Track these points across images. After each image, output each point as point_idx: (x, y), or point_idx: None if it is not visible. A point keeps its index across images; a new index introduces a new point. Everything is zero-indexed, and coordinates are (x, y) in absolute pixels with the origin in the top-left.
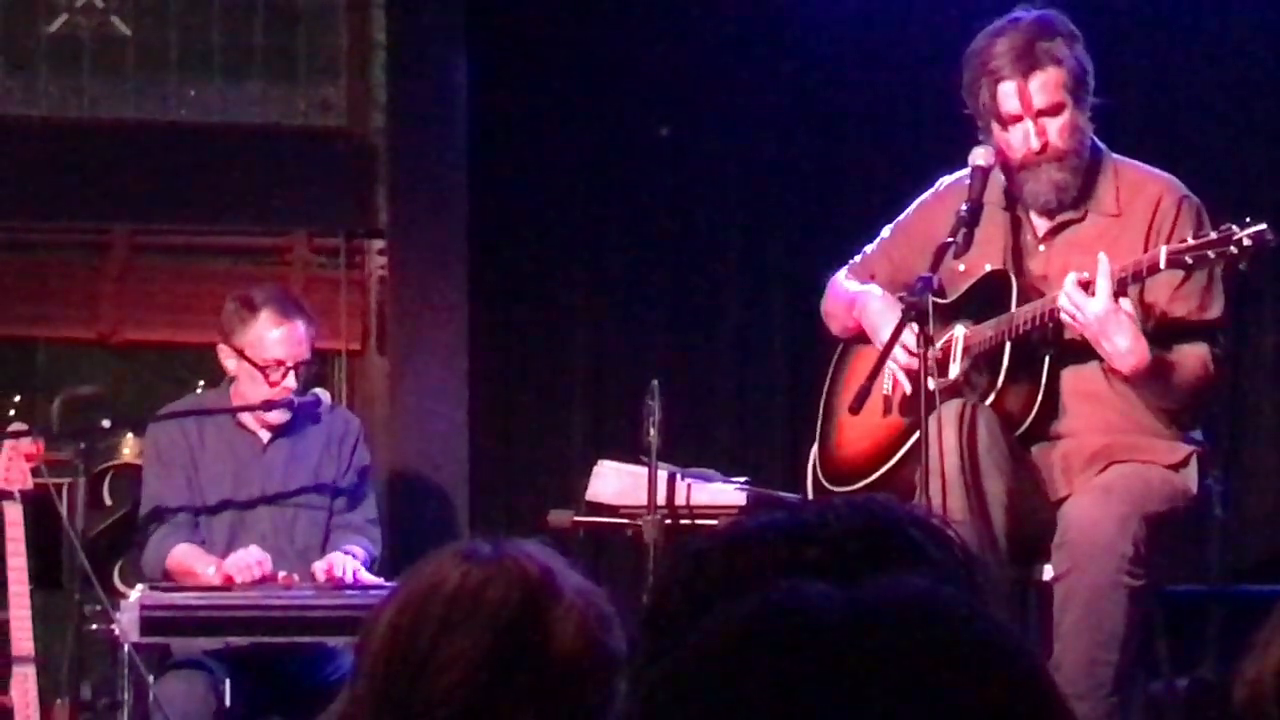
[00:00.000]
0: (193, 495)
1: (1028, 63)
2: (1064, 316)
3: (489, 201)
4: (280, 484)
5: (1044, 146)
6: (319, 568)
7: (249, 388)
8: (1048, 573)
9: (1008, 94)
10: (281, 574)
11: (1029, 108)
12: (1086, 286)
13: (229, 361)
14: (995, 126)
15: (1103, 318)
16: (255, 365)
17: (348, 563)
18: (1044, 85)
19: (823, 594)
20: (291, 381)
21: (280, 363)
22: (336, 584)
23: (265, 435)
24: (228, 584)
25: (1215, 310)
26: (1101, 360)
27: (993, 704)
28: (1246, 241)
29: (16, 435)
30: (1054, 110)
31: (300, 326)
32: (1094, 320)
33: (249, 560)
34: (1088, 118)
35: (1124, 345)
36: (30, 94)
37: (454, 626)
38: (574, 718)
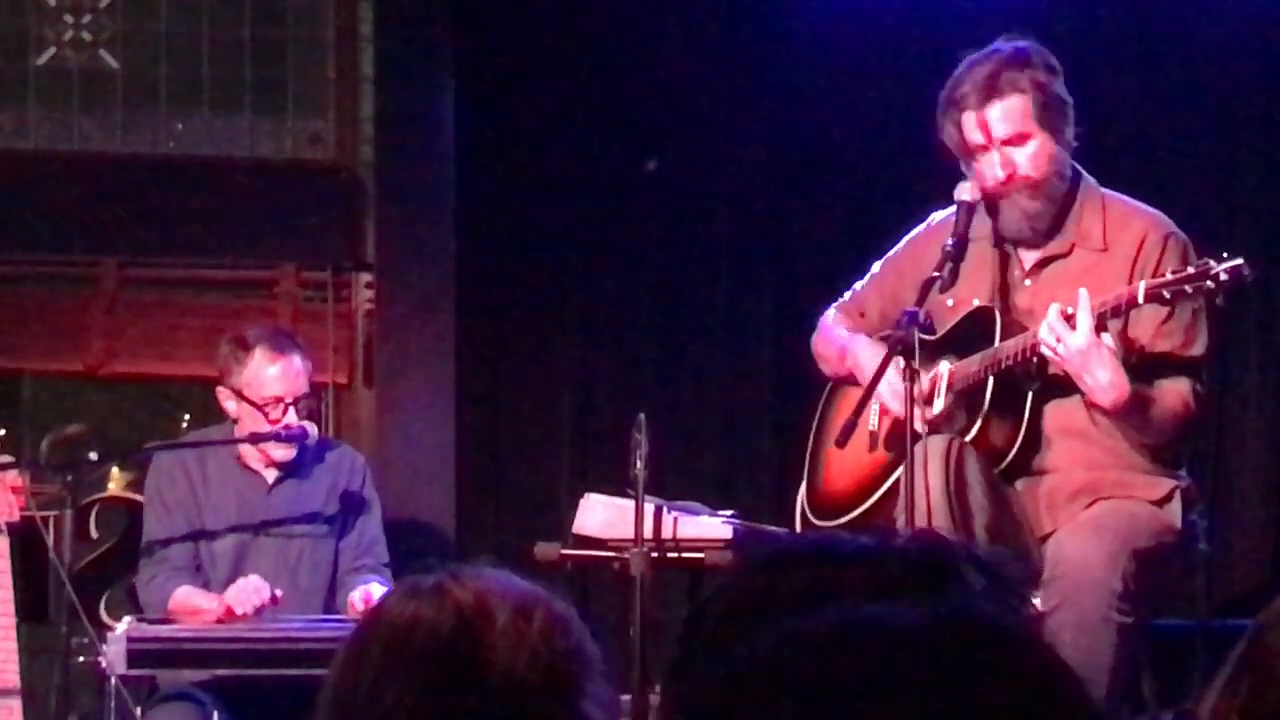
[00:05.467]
0: (195, 535)
1: (990, 92)
2: (1044, 350)
3: (476, 235)
4: (286, 525)
5: (1010, 177)
6: (357, 598)
7: (251, 428)
8: None
9: (970, 125)
10: (278, 591)
11: (990, 138)
12: (1069, 319)
13: (229, 404)
14: (968, 160)
15: (1084, 351)
16: (254, 405)
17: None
18: (1006, 114)
19: (903, 611)
20: (293, 418)
21: (279, 399)
22: None
23: (271, 476)
24: (229, 617)
25: (1199, 347)
26: (1085, 395)
27: None
28: (1223, 276)
29: (3, 467)
30: (1018, 140)
31: (296, 360)
32: (1075, 354)
33: (248, 589)
34: (1065, 150)
35: (1105, 379)
36: (19, 127)
37: (391, 662)
38: None
